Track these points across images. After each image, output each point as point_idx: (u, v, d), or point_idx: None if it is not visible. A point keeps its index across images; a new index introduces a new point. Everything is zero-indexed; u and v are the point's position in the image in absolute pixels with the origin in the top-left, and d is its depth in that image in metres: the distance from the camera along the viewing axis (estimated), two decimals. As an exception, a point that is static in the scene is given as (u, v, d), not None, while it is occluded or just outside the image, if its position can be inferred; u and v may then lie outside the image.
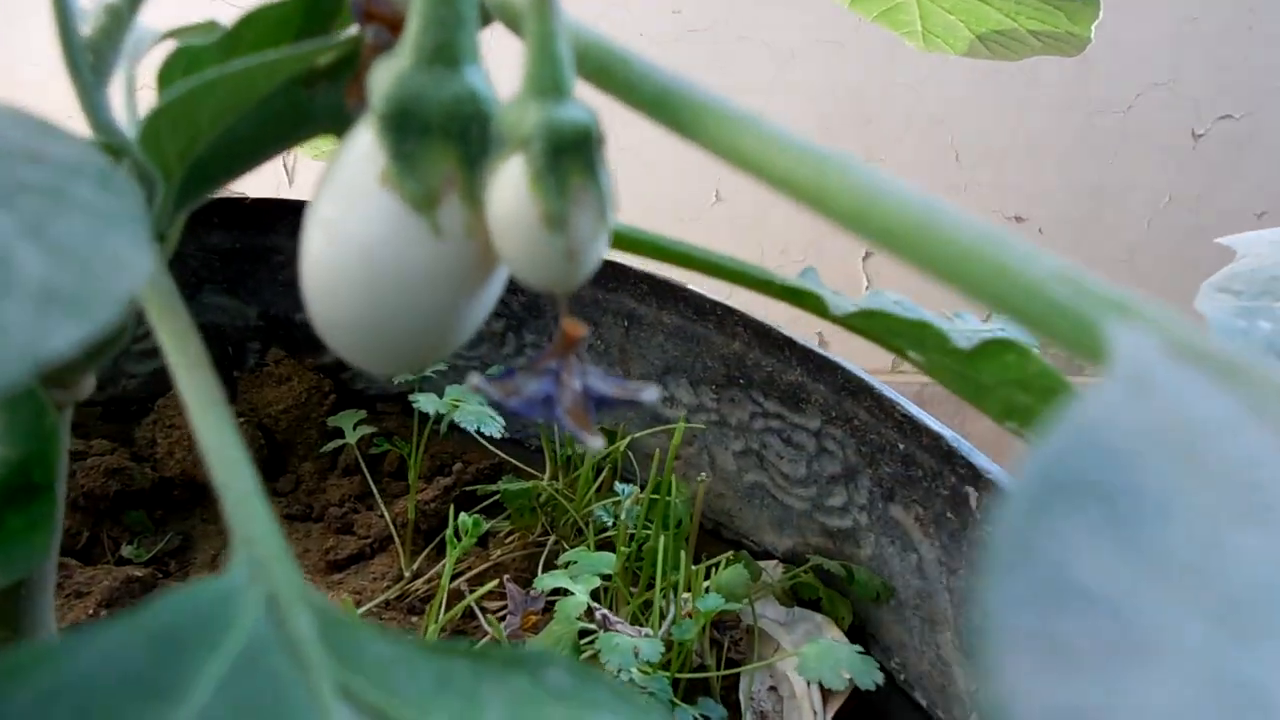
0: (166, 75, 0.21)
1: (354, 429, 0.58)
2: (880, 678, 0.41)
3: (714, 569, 0.47)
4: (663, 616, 0.44)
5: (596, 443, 0.18)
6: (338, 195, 0.18)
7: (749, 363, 0.56)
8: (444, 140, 0.17)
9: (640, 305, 0.59)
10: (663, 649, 0.39)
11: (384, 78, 0.17)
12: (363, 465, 0.59)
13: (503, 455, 0.58)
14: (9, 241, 0.11)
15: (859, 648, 0.42)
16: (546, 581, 0.41)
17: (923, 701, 0.49)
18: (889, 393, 0.48)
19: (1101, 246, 1.03)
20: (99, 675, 0.11)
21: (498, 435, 0.45)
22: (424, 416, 0.48)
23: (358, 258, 0.17)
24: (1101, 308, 0.12)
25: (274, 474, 0.61)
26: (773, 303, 0.26)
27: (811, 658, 0.40)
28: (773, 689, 0.47)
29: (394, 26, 0.18)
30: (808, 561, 0.52)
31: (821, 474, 0.54)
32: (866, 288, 1.03)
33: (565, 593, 0.42)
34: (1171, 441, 0.09)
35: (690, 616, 0.43)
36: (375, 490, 0.57)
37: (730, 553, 0.48)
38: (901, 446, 0.49)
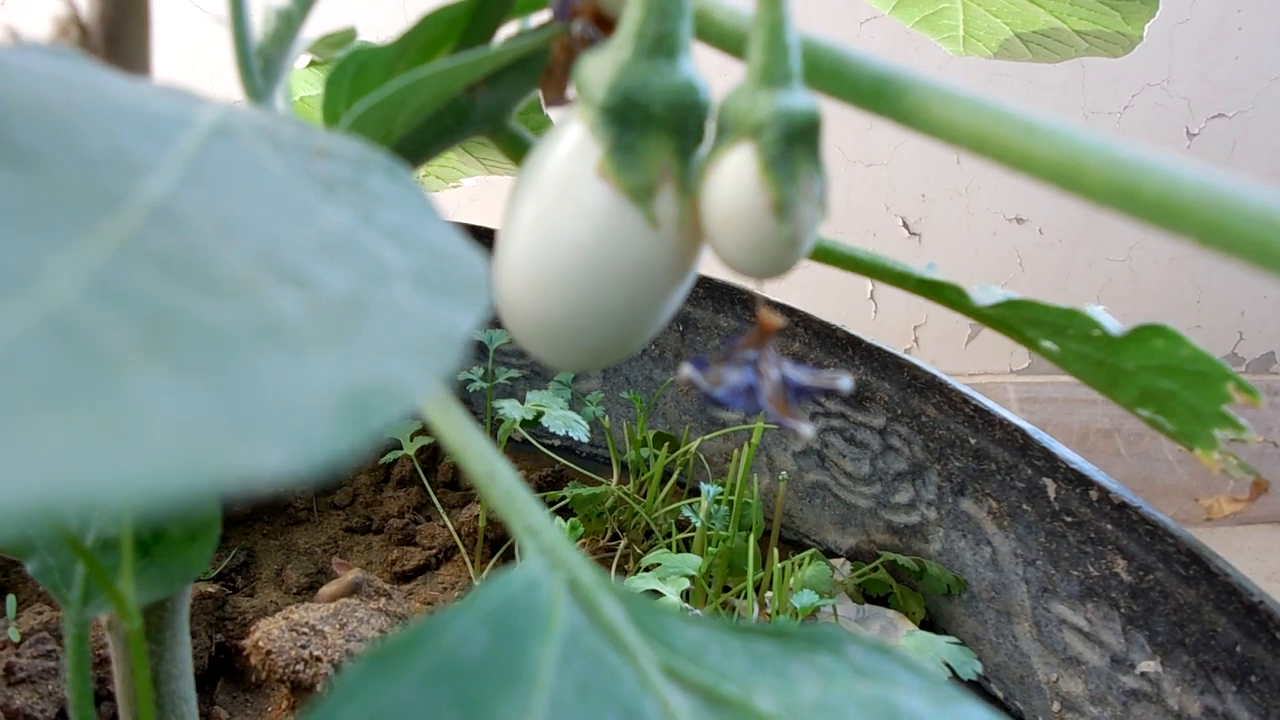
0: (337, 78, 0.21)
1: (410, 440, 0.58)
2: (979, 667, 0.41)
3: (793, 568, 0.47)
4: (742, 616, 0.44)
5: (806, 430, 0.18)
6: (544, 193, 0.18)
7: (810, 363, 0.56)
8: (663, 131, 0.17)
9: (696, 309, 0.59)
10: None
11: (602, 70, 0.17)
12: (421, 476, 0.59)
13: (562, 461, 0.58)
14: (356, 231, 0.11)
15: (955, 639, 0.42)
16: (636, 584, 0.41)
17: (999, 693, 0.49)
18: (960, 388, 0.48)
19: (1100, 247, 1.04)
20: (460, 657, 0.11)
21: (585, 439, 0.45)
22: (495, 424, 0.48)
23: (571, 253, 0.18)
24: None
25: (329, 487, 0.61)
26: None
27: (910, 650, 0.40)
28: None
29: (598, 22, 0.18)
30: (878, 558, 0.52)
31: (887, 471, 0.54)
32: (871, 293, 1.03)
33: (654, 594, 0.42)
34: None
35: (777, 615, 0.43)
36: (436, 500, 0.57)
37: (810, 551, 0.48)
38: (973, 441, 0.49)
